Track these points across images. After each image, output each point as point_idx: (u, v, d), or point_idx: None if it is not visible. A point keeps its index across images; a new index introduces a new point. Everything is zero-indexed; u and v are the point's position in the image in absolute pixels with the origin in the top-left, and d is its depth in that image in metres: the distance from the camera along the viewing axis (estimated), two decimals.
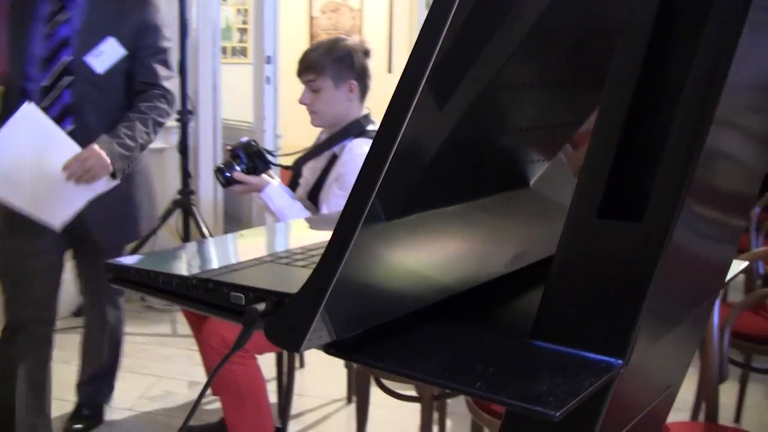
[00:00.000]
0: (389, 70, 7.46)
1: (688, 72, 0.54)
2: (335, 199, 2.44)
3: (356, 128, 2.55)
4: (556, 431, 0.59)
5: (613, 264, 0.57)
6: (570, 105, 0.80)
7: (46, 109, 2.43)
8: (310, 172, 2.66)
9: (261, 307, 0.61)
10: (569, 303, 0.59)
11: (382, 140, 0.52)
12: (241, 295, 0.65)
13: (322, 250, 0.78)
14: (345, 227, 0.54)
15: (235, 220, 5.03)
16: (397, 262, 0.64)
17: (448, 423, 2.71)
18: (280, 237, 0.98)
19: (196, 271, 0.71)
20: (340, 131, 2.55)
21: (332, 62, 2.51)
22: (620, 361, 0.57)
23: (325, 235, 0.91)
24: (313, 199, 2.60)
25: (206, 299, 0.68)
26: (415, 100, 0.51)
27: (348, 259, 0.55)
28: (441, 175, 0.66)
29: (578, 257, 0.58)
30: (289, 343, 0.57)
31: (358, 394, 2.53)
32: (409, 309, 0.65)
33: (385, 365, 0.57)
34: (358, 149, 2.47)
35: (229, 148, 2.53)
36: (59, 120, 2.47)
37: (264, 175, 2.49)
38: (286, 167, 2.72)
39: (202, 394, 0.73)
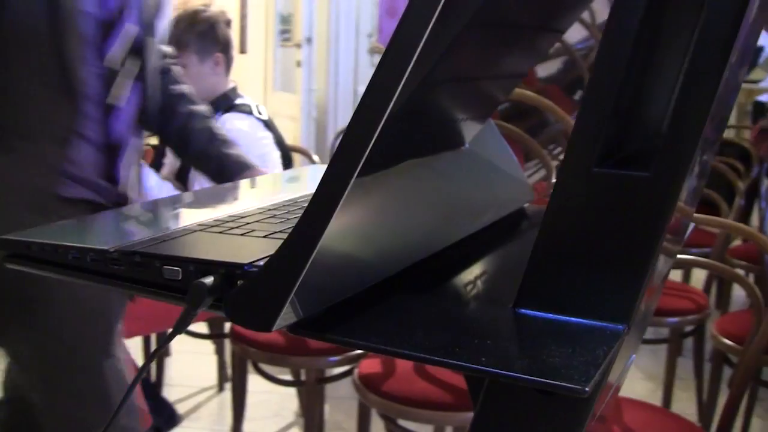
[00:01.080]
0: (242, 50, 7.26)
1: (702, 7, 0.48)
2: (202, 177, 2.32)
3: (225, 103, 2.44)
4: (550, 407, 0.53)
5: (615, 220, 0.51)
6: (520, 52, 0.74)
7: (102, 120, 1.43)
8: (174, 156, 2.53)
9: (208, 281, 0.52)
10: (562, 265, 0.52)
11: (378, 97, 0.44)
12: (178, 268, 0.55)
13: (258, 218, 0.70)
14: (329, 194, 0.46)
15: None
16: (358, 227, 0.56)
17: (326, 407, 2.64)
18: (192, 206, 0.88)
19: (114, 243, 0.61)
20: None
21: (195, 36, 2.40)
22: (622, 327, 0.51)
23: (243, 204, 0.82)
24: (181, 179, 2.48)
25: (132, 276, 0.58)
26: (412, 62, 0.44)
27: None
28: (395, 133, 0.59)
29: (573, 213, 0.52)
30: (259, 323, 0.48)
31: (236, 380, 2.43)
32: (372, 281, 0.57)
33: (368, 344, 0.49)
34: (230, 125, 2.36)
35: None
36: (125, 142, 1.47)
37: None
38: (153, 146, 2.58)
39: (124, 399, 0.63)
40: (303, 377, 2.71)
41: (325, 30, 5.52)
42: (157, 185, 2.36)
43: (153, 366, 2.79)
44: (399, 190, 0.63)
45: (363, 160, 0.44)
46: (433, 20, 0.43)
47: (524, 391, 0.54)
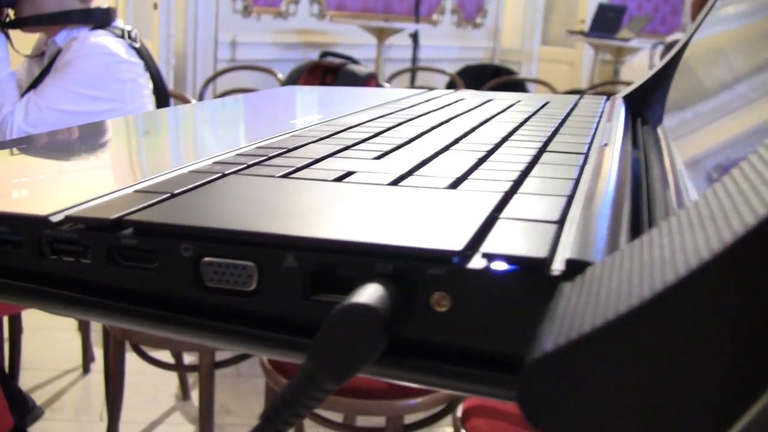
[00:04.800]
0: None
1: None
2: (51, 89, 1.91)
3: (84, 19, 2.04)
4: None
5: None
6: None
7: None
8: (25, 72, 2.10)
9: (372, 296, 0.20)
10: None
11: None
12: (249, 263, 0.23)
13: (320, 149, 0.37)
14: None
15: None
16: None
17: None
18: (160, 135, 0.53)
19: (55, 205, 0.27)
20: (62, 27, 2.03)
21: None
22: None
23: (253, 129, 0.49)
24: None
25: (110, 280, 0.25)
26: None
27: None
28: None
29: None
30: None
31: (113, 365, 2.05)
32: None
33: None
34: (93, 40, 1.96)
35: None
36: None
37: None
38: None
39: None
40: (187, 360, 2.39)
41: None
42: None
43: (6, 349, 2.36)
44: None
45: None
46: None
47: None
